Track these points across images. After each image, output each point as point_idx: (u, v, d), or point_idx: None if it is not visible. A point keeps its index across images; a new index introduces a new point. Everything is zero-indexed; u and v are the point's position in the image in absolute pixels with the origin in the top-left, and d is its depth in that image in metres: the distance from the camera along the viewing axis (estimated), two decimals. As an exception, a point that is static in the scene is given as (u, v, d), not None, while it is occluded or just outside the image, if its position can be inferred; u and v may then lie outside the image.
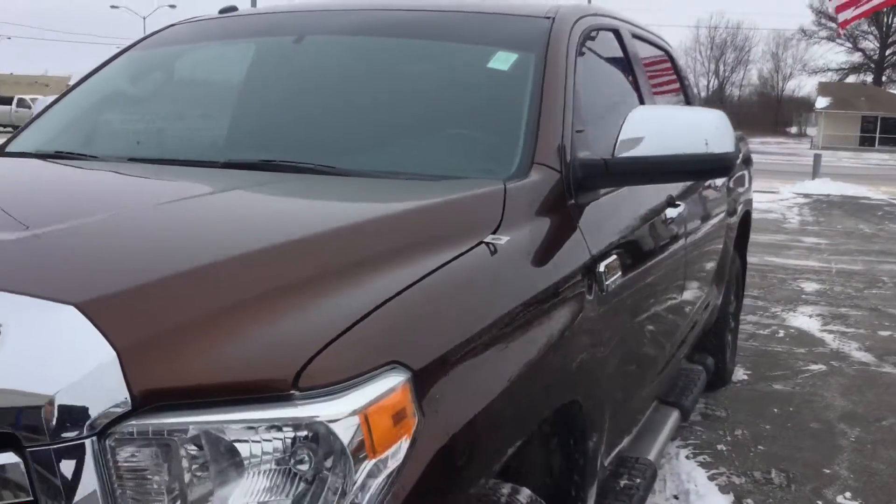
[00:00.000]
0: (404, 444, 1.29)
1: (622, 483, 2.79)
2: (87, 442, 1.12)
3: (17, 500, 1.10)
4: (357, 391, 1.24)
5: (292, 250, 1.47)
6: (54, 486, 1.11)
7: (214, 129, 2.49)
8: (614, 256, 2.29)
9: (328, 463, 1.20)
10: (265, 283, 1.34)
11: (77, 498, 1.11)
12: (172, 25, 3.03)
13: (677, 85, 4.11)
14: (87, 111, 2.68)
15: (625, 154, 2.24)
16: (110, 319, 1.17)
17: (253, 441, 1.18)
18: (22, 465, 1.10)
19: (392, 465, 1.26)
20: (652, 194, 2.81)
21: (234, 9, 3.10)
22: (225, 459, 1.17)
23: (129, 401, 1.14)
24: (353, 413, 1.22)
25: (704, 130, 2.27)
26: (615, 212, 2.48)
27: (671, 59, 4.08)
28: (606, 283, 2.19)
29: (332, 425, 1.20)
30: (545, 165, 2.13)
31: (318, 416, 1.19)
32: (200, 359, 1.19)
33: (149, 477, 1.15)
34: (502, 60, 2.42)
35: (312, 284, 1.38)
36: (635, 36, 3.37)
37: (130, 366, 1.15)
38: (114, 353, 1.15)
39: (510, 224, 1.87)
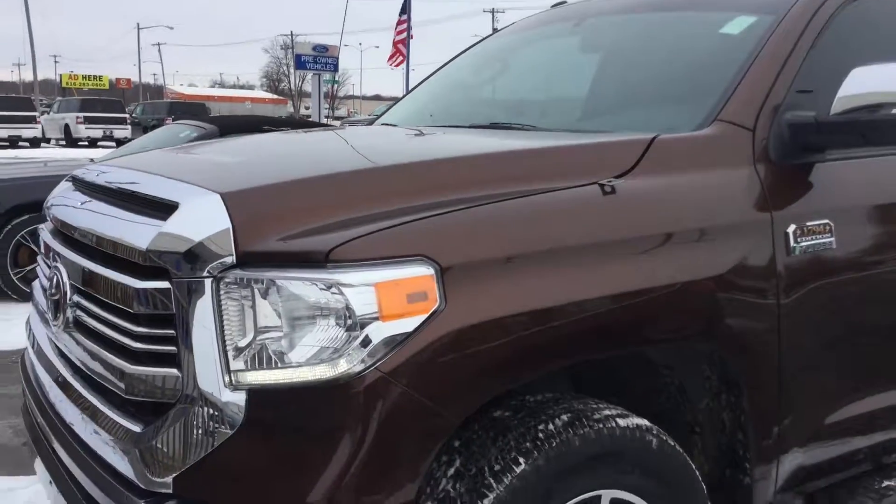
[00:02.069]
0: (417, 319, 1.61)
1: (885, 482, 2.52)
2: (208, 281, 1.68)
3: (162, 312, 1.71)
4: (373, 268, 1.60)
5: (397, 171, 1.89)
6: (187, 309, 1.69)
7: (480, 102, 2.98)
8: (825, 221, 2.15)
9: (344, 316, 1.59)
10: (359, 193, 1.78)
11: (197, 318, 1.68)
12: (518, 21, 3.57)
13: None
14: (424, 92, 3.39)
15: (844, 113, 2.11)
16: (234, 205, 1.72)
17: (302, 291, 1.62)
18: (170, 291, 1.71)
19: (401, 330, 1.60)
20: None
21: (563, 2, 3.52)
22: (287, 302, 1.63)
23: (235, 258, 1.68)
24: (366, 284, 1.59)
25: None
26: (853, 178, 2.28)
27: None
28: (795, 245, 2.09)
29: (344, 288, 1.58)
30: (731, 122, 2.13)
31: (336, 279, 1.59)
32: (277, 235, 1.68)
33: (242, 309, 1.67)
34: (737, 25, 2.42)
35: (398, 196, 1.77)
36: None
37: (238, 235, 1.68)
38: (230, 225, 1.69)
39: (648, 171, 1.97)
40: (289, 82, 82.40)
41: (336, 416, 1.60)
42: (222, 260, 1.68)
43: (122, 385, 1.80)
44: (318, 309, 1.62)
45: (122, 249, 1.84)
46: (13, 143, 29.03)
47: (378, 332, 1.60)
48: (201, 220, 1.73)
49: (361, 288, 1.60)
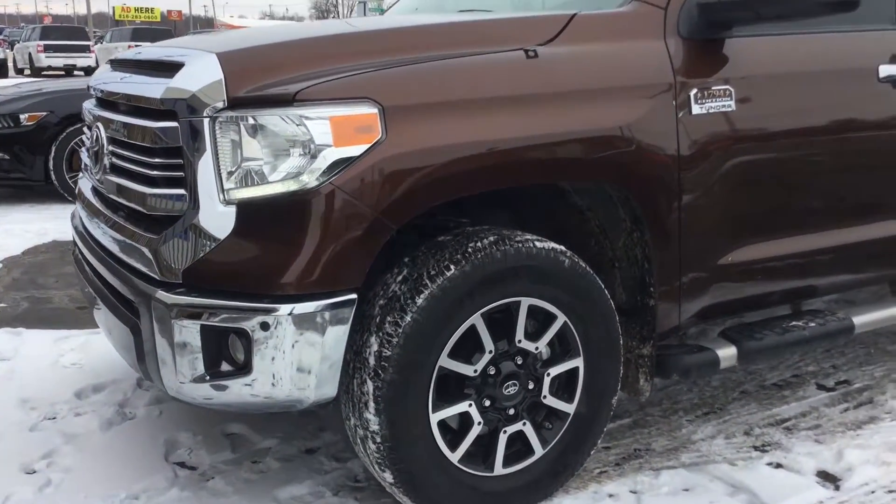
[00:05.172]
0: (363, 147, 2.09)
1: (792, 322, 2.94)
2: (206, 120, 2.17)
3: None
4: (329, 106, 2.08)
5: (350, 38, 2.34)
6: (191, 142, 2.18)
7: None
8: (726, 87, 2.55)
9: (306, 143, 2.08)
10: (319, 54, 2.25)
11: (198, 149, 2.17)
12: None
13: None
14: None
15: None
16: (226, 62, 2.20)
17: (275, 124, 2.10)
18: (178, 129, 2.20)
19: (349, 154, 2.08)
20: (855, 48, 2.84)
21: None
22: (264, 134, 2.12)
23: (226, 102, 2.16)
24: (322, 118, 2.07)
25: None
26: (757, 53, 2.66)
27: None
28: (697, 105, 2.49)
29: (305, 120, 2.07)
30: (645, 2, 2.53)
31: (300, 113, 2.07)
32: (258, 84, 2.15)
33: (232, 141, 2.15)
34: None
35: (351, 56, 2.23)
36: None
37: (229, 84, 2.16)
38: (223, 76, 2.17)
39: (568, 41, 2.39)
40: (337, 13, 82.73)
41: (301, 218, 2.10)
42: (216, 104, 2.16)
43: (143, 206, 2.32)
44: (286, 138, 2.10)
45: (143, 101, 2.35)
46: (68, 72, 29.93)
47: (332, 155, 2.08)
48: (201, 73, 2.21)
49: (319, 121, 2.08)
